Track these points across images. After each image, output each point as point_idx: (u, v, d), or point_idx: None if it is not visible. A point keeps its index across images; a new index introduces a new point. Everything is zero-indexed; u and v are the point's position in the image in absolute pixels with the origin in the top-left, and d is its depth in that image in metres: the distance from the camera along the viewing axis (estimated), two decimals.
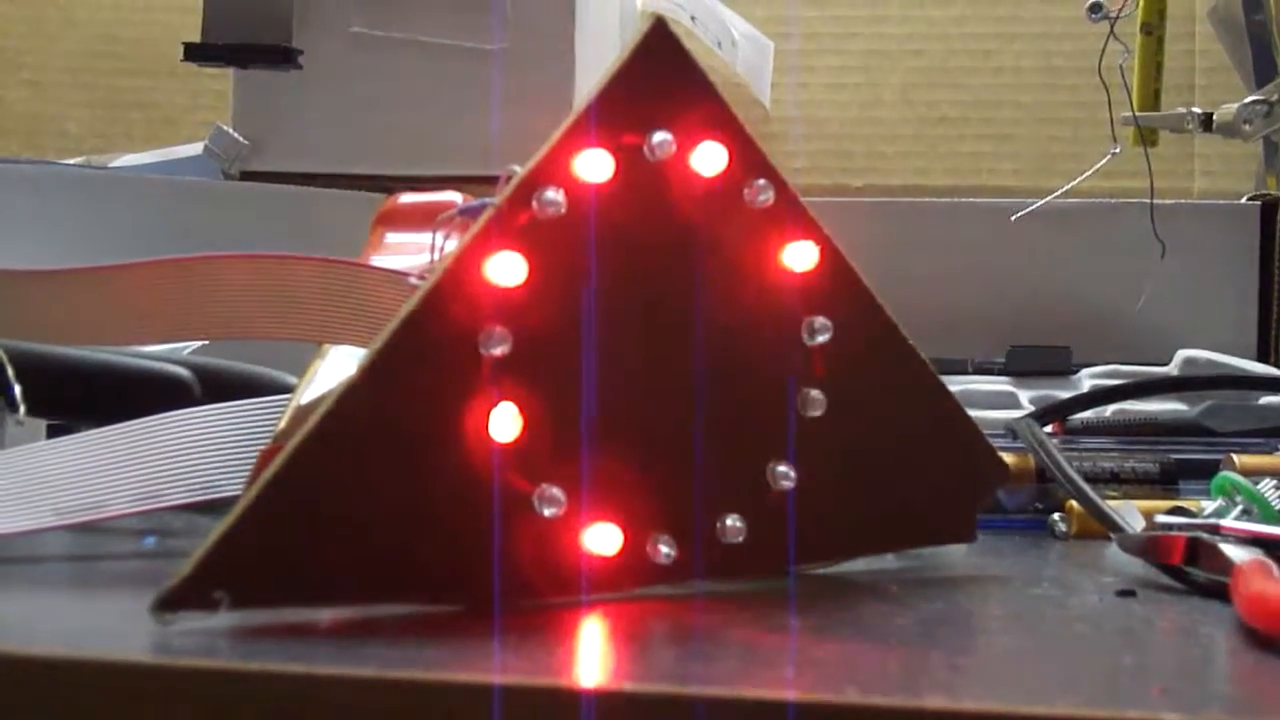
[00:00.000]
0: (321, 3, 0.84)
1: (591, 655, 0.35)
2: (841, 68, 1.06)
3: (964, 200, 0.85)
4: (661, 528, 0.40)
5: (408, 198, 0.58)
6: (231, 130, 0.85)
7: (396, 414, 0.36)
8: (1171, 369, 0.73)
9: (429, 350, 0.37)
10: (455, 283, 0.37)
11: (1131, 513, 0.50)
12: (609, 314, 0.39)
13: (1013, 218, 0.80)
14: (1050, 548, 0.54)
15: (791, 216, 0.42)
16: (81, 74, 1.12)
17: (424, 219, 0.52)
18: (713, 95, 0.41)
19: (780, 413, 0.42)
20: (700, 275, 0.41)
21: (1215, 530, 0.44)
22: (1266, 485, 0.47)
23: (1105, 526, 0.50)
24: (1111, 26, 0.79)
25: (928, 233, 0.82)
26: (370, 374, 0.36)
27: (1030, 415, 0.62)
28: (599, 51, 0.87)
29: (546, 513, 0.38)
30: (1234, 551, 0.41)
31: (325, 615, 0.36)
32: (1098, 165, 0.79)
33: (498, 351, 0.37)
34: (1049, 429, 0.62)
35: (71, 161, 0.94)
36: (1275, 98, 0.79)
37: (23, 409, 0.53)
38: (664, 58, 0.40)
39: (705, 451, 0.41)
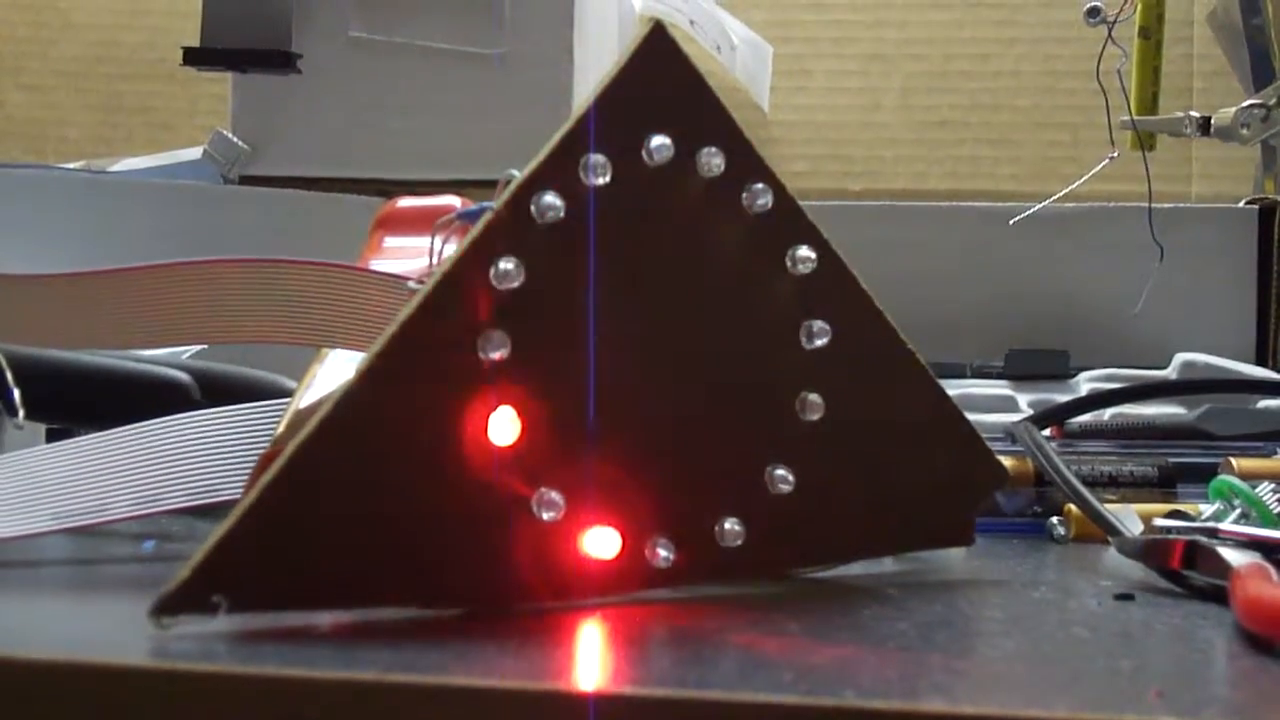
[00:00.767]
0: (320, 7, 0.84)
1: (590, 659, 0.35)
2: (840, 72, 1.06)
3: (962, 204, 0.85)
4: (660, 531, 0.40)
5: (406, 202, 0.58)
6: (231, 135, 0.85)
7: (395, 418, 0.36)
8: (1170, 372, 0.73)
9: (428, 354, 0.37)
10: (454, 287, 0.37)
11: (1129, 516, 0.50)
12: (607, 318, 0.39)
13: (1011, 221, 0.80)
14: (1048, 551, 0.54)
15: (790, 220, 0.42)
16: (81, 79, 1.12)
17: (423, 223, 0.52)
18: (711, 99, 0.41)
19: (779, 416, 0.42)
20: (698, 279, 0.41)
21: (1213, 534, 0.44)
22: (1265, 489, 0.47)
23: (1103, 530, 0.50)
24: (1109, 30, 0.79)
25: (926, 236, 0.82)
26: (369, 378, 0.36)
27: (1028, 419, 0.62)
28: (597, 56, 0.87)
29: (545, 516, 0.38)
30: (1232, 555, 0.41)
31: (324, 619, 0.36)
32: (1096, 169, 0.79)
33: (496, 355, 0.37)
34: (1047, 432, 0.62)
35: (71, 166, 0.94)
36: (1273, 101, 0.79)
37: (22, 413, 0.53)
38: (662, 62, 0.40)
39: (704, 455, 0.41)
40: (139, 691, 0.30)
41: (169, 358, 0.62)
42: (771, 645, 0.36)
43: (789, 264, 0.42)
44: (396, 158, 0.84)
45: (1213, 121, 0.80)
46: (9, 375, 0.53)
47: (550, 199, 0.38)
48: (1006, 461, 0.47)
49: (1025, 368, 0.74)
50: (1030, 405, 0.71)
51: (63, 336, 0.53)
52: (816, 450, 0.42)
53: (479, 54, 0.84)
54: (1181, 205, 0.83)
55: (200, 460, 0.47)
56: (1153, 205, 0.78)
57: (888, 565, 0.47)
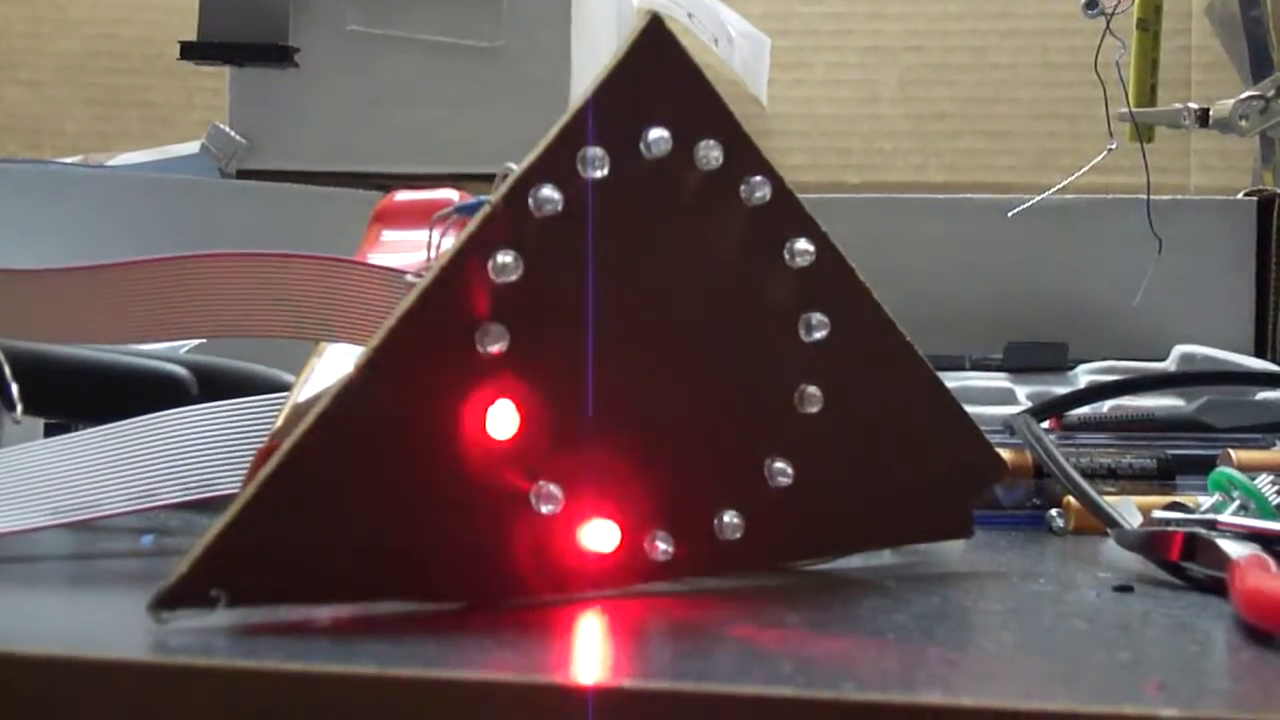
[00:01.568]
0: (318, 1, 0.84)
1: (589, 652, 0.35)
2: (839, 64, 1.06)
3: (961, 196, 0.85)
4: (659, 524, 0.40)
5: (404, 195, 0.58)
6: (228, 129, 0.85)
7: (393, 412, 0.36)
8: (1168, 365, 0.73)
9: (426, 347, 0.37)
10: (452, 280, 0.37)
11: (1129, 508, 0.50)
12: (606, 311, 0.39)
13: (1009, 214, 0.80)
14: (1047, 543, 0.54)
15: (788, 213, 0.42)
16: (78, 73, 1.12)
17: (421, 216, 0.52)
18: (709, 92, 0.41)
19: (777, 409, 0.42)
20: (696, 272, 0.41)
21: (1212, 525, 0.44)
22: (1263, 480, 0.47)
23: (1102, 522, 0.50)
24: (1108, 22, 0.79)
25: (924, 229, 0.82)
26: (367, 372, 0.36)
27: (1027, 411, 0.62)
28: (595, 49, 0.87)
29: (544, 509, 0.38)
30: (1231, 547, 0.41)
31: (323, 613, 0.36)
32: (1094, 161, 0.79)
33: (495, 348, 0.37)
34: (1046, 425, 0.62)
35: (68, 160, 0.94)
36: (1271, 93, 0.79)
37: (19, 408, 0.53)
38: (660, 55, 0.40)
39: (702, 448, 0.41)
40: (138, 686, 0.30)
41: (167, 352, 0.62)
42: (770, 638, 0.36)
43: (787, 257, 0.42)
44: (394, 151, 0.84)
45: (1211, 113, 0.80)
46: (7, 370, 0.53)
47: (548, 192, 0.38)
48: (1005, 454, 0.47)
49: (1024, 360, 0.74)
50: (1029, 397, 0.71)
51: (60, 331, 0.53)
52: (815, 443, 0.42)
53: (477, 47, 0.84)
54: (1180, 197, 0.83)
55: (198, 455, 0.47)
56: (1151, 197, 0.78)
57: (886, 558, 0.47)
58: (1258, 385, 0.70)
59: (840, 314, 0.42)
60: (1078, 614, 0.39)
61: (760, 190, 0.41)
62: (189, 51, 0.83)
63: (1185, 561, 0.43)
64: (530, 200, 0.38)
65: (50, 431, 0.59)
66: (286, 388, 0.51)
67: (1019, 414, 0.61)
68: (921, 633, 0.36)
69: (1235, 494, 0.47)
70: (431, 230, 0.49)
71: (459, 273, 0.37)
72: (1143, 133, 0.80)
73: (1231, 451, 0.58)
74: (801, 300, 0.42)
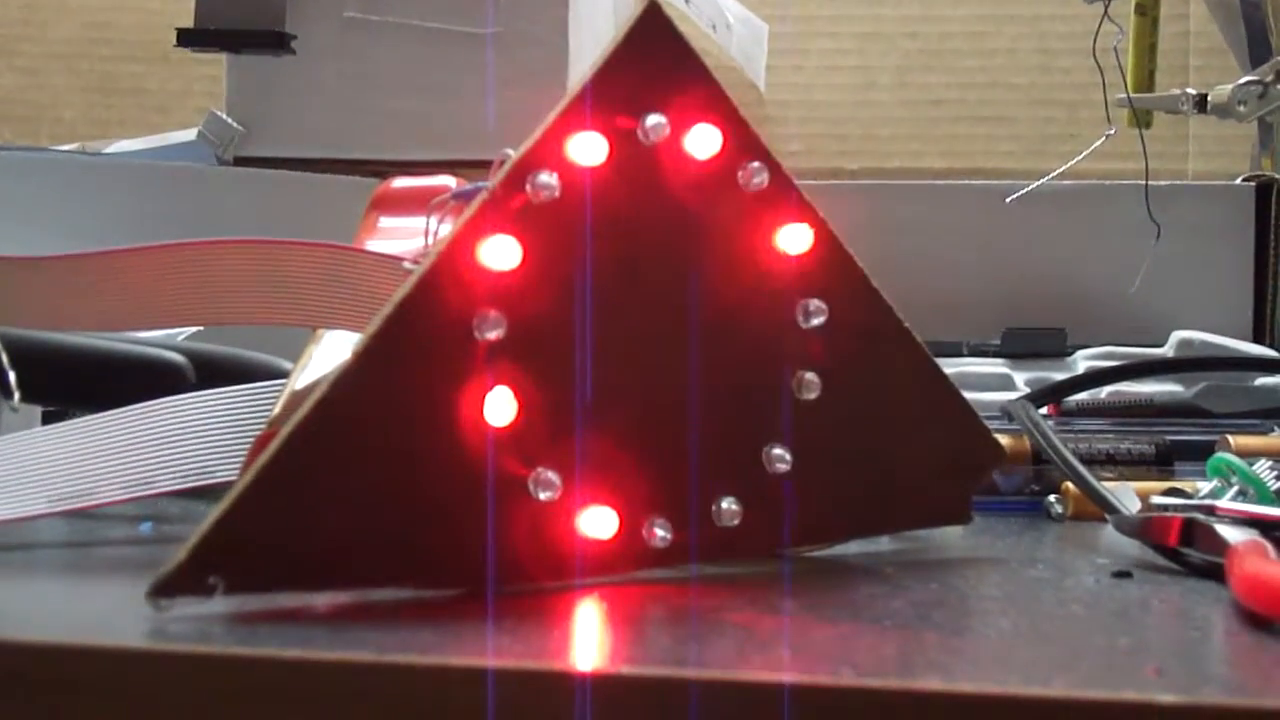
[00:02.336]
0: None
1: (588, 638, 0.35)
2: (836, 50, 1.06)
3: (959, 182, 0.85)
4: (657, 511, 0.40)
5: (401, 182, 0.58)
6: (225, 116, 0.85)
7: (391, 399, 0.36)
8: (1167, 350, 0.73)
9: (423, 335, 0.37)
10: (449, 267, 0.37)
11: (1127, 494, 0.50)
12: (603, 298, 0.39)
13: (1008, 200, 0.80)
14: (1046, 529, 0.54)
15: (786, 199, 0.42)
16: (75, 60, 1.12)
17: (418, 203, 0.51)
18: (707, 78, 0.41)
19: (776, 395, 0.42)
20: (695, 259, 0.41)
21: (1211, 511, 0.44)
22: (1262, 466, 0.47)
23: (1101, 508, 0.50)
24: (1105, 8, 0.78)
25: (922, 215, 0.82)
26: (365, 359, 0.36)
27: (1025, 397, 0.62)
28: (593, 35, 0.87)
29: (542, 496, 0.38)
30: (1229, 532, 0.41)
31: (321, 600, 0.36)
32: (1092, 147, 0.79)
33: (492, 335, 0.37)
34: (1044, 411, 0.62)
35: (65, 148, 0.94)
36: (1269, 78, 0.79)
37: (17, 395, 0.53)
38: (658, 41, 0.40)
39: (701, 435, 0.41)
40: (136, 673, 0.30)
41: (164, 340, 0.61)
42: (769, 624, 0.36)
43: (785, 243, 0.41)
44: (391, 138, 0.84)
45: (1209, 99, 0.80)
46: (4, 358, 0.53)
47: (545, 178, 0.38)
48: (1004, 440, 0.47)
49: (1022, 346, 0.74)
50: (1027, 383, 0.71)
51: (58, 318, 0.53)
52: (813, 429, 0.42)
53: (474, 33, 0.83)
54: (1178, 183, 0.83)
55: (196, 442, 0.47)
56: (1149, 183, 0.78)
57: (885, 544, 0.47)
58: (1256, 370, 0.70)
59: (838, 300, 0.42)
60: (1076, 600, 0.39)
61: (758, 176, 0.41)
62: (186, 38, 0.83)
63: (1183, 547, 0.43)
64: (528, 186, 0.38)
65: (48, 419, 0.59)
66: (284, 375, 0.51)
67: (1017, 400, 0.61)
68: (920, 619, 0.36)
69: (1233, 479, 0.47)
70: (429, 217, 0.49)
71: (456, 259, 0.37)
72: (1141, 118, 0.80)
73: (1230, 437, 0.58)
74: (799, 287, 0.42)
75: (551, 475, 0.38)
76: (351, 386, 0.36)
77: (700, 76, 0.40)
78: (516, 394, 0.38)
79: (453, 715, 0.29)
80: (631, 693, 0.29)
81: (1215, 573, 0.40)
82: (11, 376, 0.53)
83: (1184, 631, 0.36)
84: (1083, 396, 0.66)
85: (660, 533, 0.39)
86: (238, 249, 0.50)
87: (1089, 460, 0.58)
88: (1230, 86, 0.79)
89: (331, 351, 0.49)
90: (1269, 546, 0.38)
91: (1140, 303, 0.78)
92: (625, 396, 0.40)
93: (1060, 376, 0.69)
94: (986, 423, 0.46)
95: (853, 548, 0.46)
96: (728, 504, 0.41)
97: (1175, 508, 0.46)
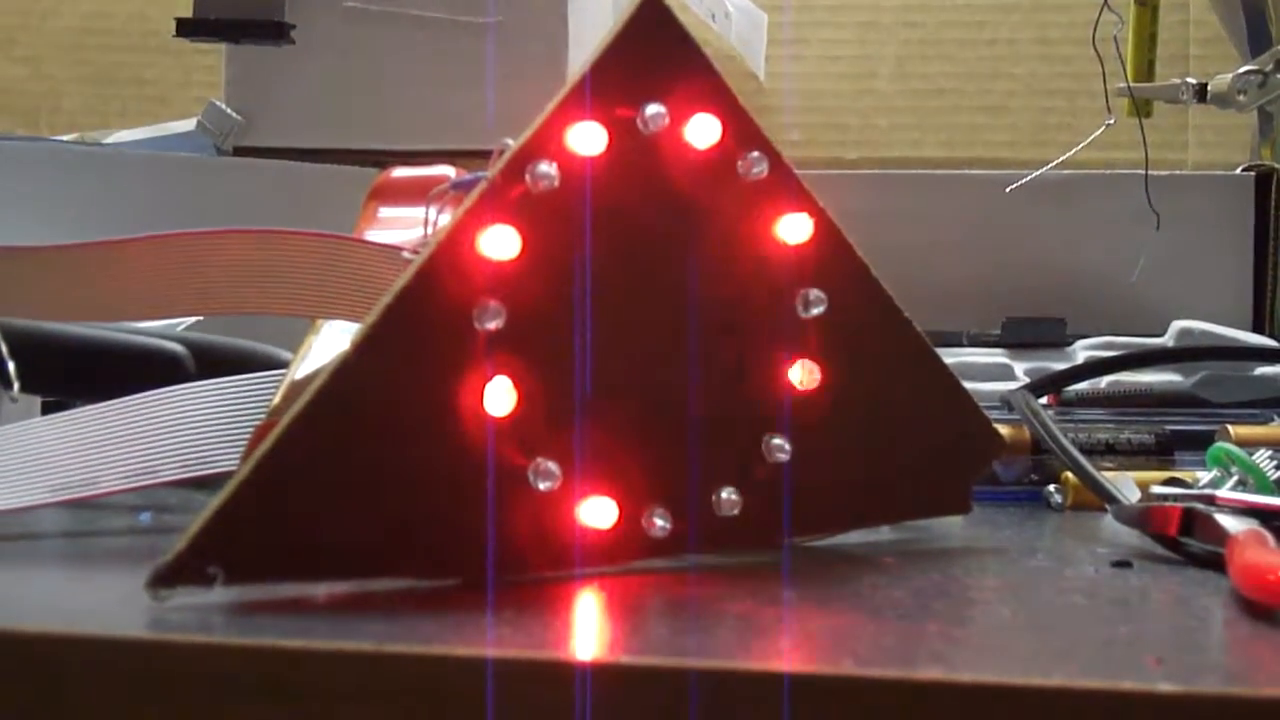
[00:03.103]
0: None
1: (587, 628, 0.35)
2: (836, 40, 1.06)
3: (958, 172, 0.84)
4: (657, 501, 0.40)
5: (401, 172, 0.58)
6: (224, 106, 0.85)
7: (391, 389, 0.36)
8: (1166, 340, 0.73)
9: (423, 325, 0.37)
10: (449, 257, 0.37)
11: (1127, 484, 0.50)
12: (603, 287, 0.39)
13: (1007, 189, 0.80)
14: (1046, 519, 0.54)
15: (785, 189, 0.42)
16: (75, 50, 1.12)
17: (417, 193, 0.51)
18: (706, 67, 0.41)
19: (775, 385, 0.42)
20: (694, 248, 0.41)
21: (1210, 501, 0.44)
22: (1261, 456, 0.47)
23: (1101, 498, 0.50)
24: None
25: (922, 205, 0.82)
26: (364, 349, 0.36)
27: (1025, 387, 0.62)
28: (592, 24, 0.87)
29: (541, 486, 0.38)
30: (1229, 522, 0.41)
31: (320, 590, 0.36)
32: (1092, 136, 0.79)
33: (492, 325, 0.37)
34: (1044, 400, 0.62)
35: (65, 138, 0.94)
36: (1269, 67, 0.78)
37: (17, 385, 0.53)
38: (657, 30, 0.40)
39: (700, 425, 0.41)
40: (136, 663, 0.30)
41: (164, 329, 0.61)
42: (769, 614, 0.36)
43: (784, 233, 0.41)
44: (391, 128, 0.84)
45: (1209, 88, 0.80)
46: (3, 348, 0.53)
47: (545, 168, 0.38)
48: (1003, 430, 0.47)
49: (1022, 336, 0.74)
50: (1027, 373, 0.71)
51: (57, 309, 0.53)
52: (813, 419, 0.42)
53: (473, 23, 0.83)
54: (1178, 172, 0.83)
55: (196, 432, 0.47)
56: (1149, 172, 0.78)
57: (885, 534, 0.47)
58: (1255, 360, 0.70)
59: (838, 290, 0.42)
60: (1076, 589, 0.39)
61: (757, 166, 0.41)
62: (185, 28, 0.83)
63: (1183, 537, 0.43)
64: (527, 176, 0.38)
65: (48, 410, 0.59)
66: (284, 365, 0.51)
67: (1017, 390, 0.61)
68: (920, 609, 0.36)
69: (1233, 469, 0.47)
70: (428, 207, 0.49)
71: (456, 249, 0.37)
72: (1141, 108, 0.80)
73: (1230, 426, 0.58)
74: (799, 276, 0.42)
75: (551, 465, 0.38)
76: (351, 376, 0.36)
77: (700, 66, 0.40)
78: (516, 384, 0.38)
79: (452, 705, 0.29)
80: (631, 682, 0.29)
81: (1215, 562, 0.40)
82: (11, 367, 0.53)
83: (1184, 621, 0.36)
84: (1082, 386, 0.66)
85: (660, 523, 0.39)
86: (237, 239, 0.50)
87: (1089, 450, 0.58)
88: (1230, 76, 0.79)
89: (331, 341, 0.49)
90: (1269, 536, 0.38)
91: (1140, 292, 0.78)
92: (625, 386, 0.40)
93: (1060, 366, 0.69)
94: (986, 412, 0.46)
95: (853, 537, 0.46)
96: (727, 494, 0.41)
97: (1175, 497, 0.45)
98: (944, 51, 1.05)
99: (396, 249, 0.48)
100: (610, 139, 0.39)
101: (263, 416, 0.46)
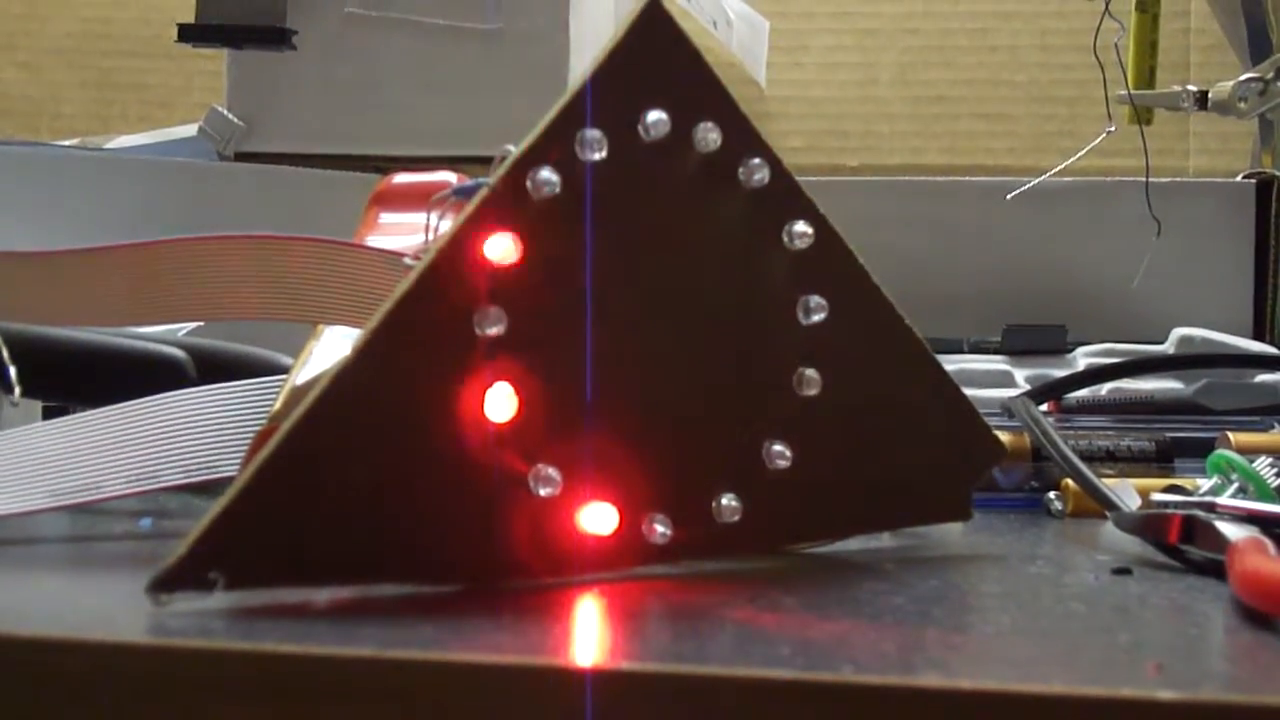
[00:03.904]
0: None
1: (587, 634, 0.35)
2: (837, 47, 1.06)
3: (959, 179, 0.85)
4: (657, 507, 0.40)
5: (402, 178, 0.58)
6: (226, 111, 0.85)
7: (391, 394, 0.36)
8: (1167, 347, 0.73)
9: (424, 330, 0.37)
10: (450, 263, 0.37)
11: (1127, 491, 0.50)
12: (604, 293, 0.39)
13: (1008, 196, 0.80)
14: (1046, 526, 0.54)
15: (787, 195, 0.42)
16: (76, 56, 1.12)
17: (419, 199, 0.51)
18: (708, 74, 0.41)
19: (776, 392, 0.42)
20: (695, 255, 0.41)
21: (1211, 508, 0.44)
22: (1262, 463, 0.47)
23: (1101, 505, 0.50)
24: (1106, 5, 0.78)
25: (923, 212, 0.82)
26: (365, 354, 0.36)
27: (1026, 394, 0.62)
28: (594, 30, 0.87)
29: (542, 492, 0.38)
30: (1230, 529, 0.41)
31: (321, 595, 0.36)
32: (1093, 144, 0.79)
33: (493, 331, 0.37)
34: (1044, 407, 0.62)
35: (66, 143, 0.94)
36: (1270, 75, 0.79)
37: (17, 390, 0.53)
38: (659, 37, 0.40)
39: (701, 431, 0.41)
40: (136, 667, 0.30)
41: (165, 335, 0.61)
42: (769, 620, 0.36)
43: (786, 239, 0.41)
44: (392, 134, 0.84)
45: (1210, 95, 0.80)
46: (4, 353, 0.53)
47: (546, 174, 0.38)
48: (1004, 437, 0.47)
49: (1022, 343, 0.74)
50: (1027, 380, 0.71)
51: (58, 314, 0.53)
52: (814, 426, 0.42)
53: (475, 29, 0.83)
54: (1179, 180, 0.83)
55: (197, 437, 0.47)
56: (1150, 180, 0.78)
57: (885, 540, 0.47)
58: (1256, 368, 0.70)
59: (839, 297, 0.42)
60: (1076, 597, 0.39)
61: (759, 172, 0.41)
62: (186, 34, 0.83)
63: (1184, 544, 0.43)
64: (528, 183, 0.38)
65: (48, 415, 0.59)
66: (285, 370, 0.51)
67: (1017, 397, 0.61)
68: (920, 615, 0.36)
69: (1234, 476, 0.47)
70: (429, 213, 0.49)
71: (457, 255, 0.37)
72: (1141, 115, 0.80)
73: (1230, 434, 0.58)
74: (800, 283, 0.42)
75: (552, 471, 0.38)
76: (352, 382, 0.36)
77: (701, 72, 0.40)
78: (517, 390, 0.38)
79: (453, 711, 0.29)
80: (631, 689, 0.29)
81: (1215, 569, 0.40)
82: (12, 372, 0.53)
83: (1184, 628, 0.36)
84: (1083, 393, 0.66)
85: (660, 529, 0.39)
86: (238, 244, 0.50)
87: (1089, 457, 0.58)
88: (1231, 83, 0.79)
89: (332, 347, 0.49)
90: (1269, 543, 0.38)
91: (1141, 299, 0.78)
92: (626, 393, 0.40)
93: (1060, 373, 0.69)
94: (987, 419, 0.46)
95: (853, 544, 0.46)
96: (728, 500, 0.41)
97: (1175, 504, 0.45)
98: (945, 59, 1.05)
99: (398, 255, 0.48)
100: (612, 145, 0.39)
101: (264, 422, 0.46)
